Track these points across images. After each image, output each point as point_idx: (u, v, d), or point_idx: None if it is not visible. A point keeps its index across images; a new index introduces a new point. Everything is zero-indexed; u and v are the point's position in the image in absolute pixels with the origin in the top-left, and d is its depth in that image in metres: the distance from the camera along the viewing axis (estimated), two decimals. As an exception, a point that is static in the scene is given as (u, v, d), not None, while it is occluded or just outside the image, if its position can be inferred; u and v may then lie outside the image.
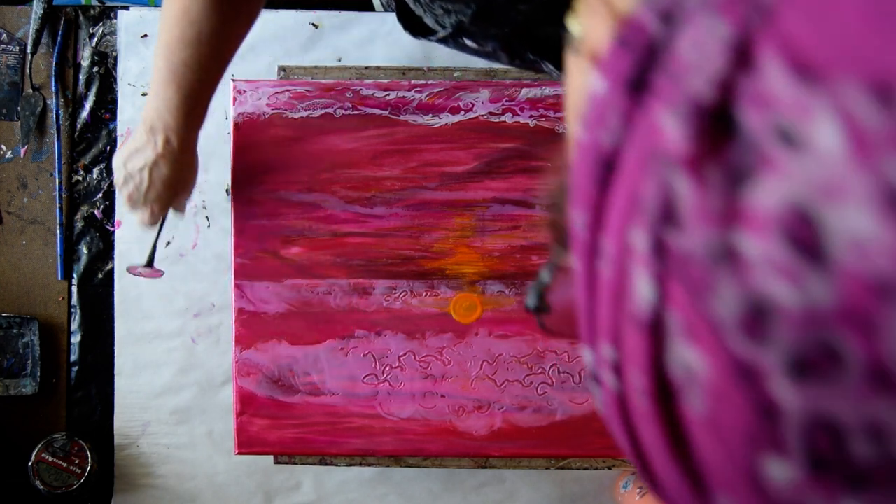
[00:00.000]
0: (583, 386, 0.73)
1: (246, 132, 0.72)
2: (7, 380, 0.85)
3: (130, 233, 0.88)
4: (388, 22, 0.90)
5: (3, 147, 0.88)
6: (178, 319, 0.88)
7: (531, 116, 0.72)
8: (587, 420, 0.73)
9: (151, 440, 0.87)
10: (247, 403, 0.72)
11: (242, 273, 0.72)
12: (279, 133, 0.72)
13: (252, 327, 0.72)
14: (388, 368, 0.73)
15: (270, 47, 0.89)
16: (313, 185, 0.72)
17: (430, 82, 0.72)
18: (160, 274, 0.80)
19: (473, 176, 0.72)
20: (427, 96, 0.72)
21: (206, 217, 0.88)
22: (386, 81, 0.72)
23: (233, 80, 0.72)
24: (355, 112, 0.72)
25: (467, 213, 0.72)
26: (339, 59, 0.89)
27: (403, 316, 0.72)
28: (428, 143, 0.72)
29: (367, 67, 0.75)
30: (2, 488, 0.85)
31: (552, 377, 0.73)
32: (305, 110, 0.72)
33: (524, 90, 0.72)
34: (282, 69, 0.77)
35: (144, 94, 0.88)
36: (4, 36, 0.88)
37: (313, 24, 0.89)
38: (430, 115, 0.72)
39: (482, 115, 0.72)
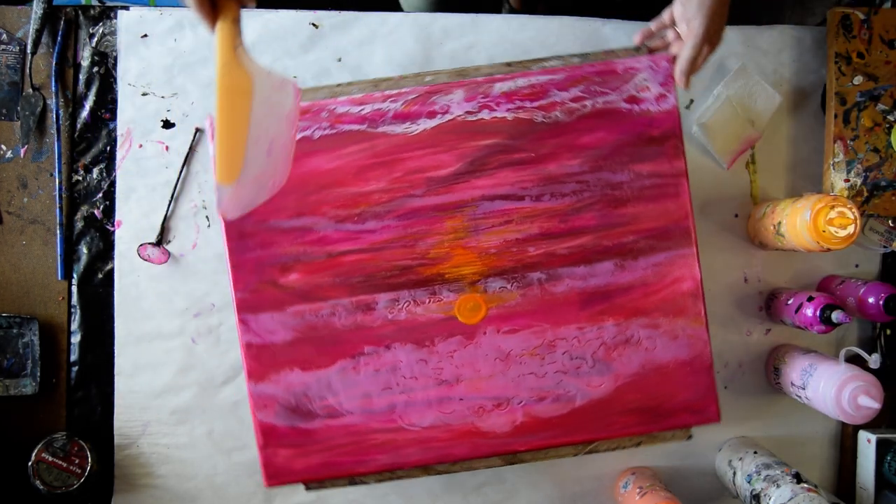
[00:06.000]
0: (597, 368, 0.73)
1: None
2: (7, 380, 0.85)
3: (130, 233, 0.88)
4: (389, 22, 0.90)
5: (3, 147, 0.88)
6: (178, 319, 0.88)
7: (508, 110, 0.72)
8: (608, 401, 0.73)
9: (151, 440, 0.87)
10: (269, 435, 0.73)
11: (245, 307, 0.72)
12: None
13: (262, 360, 0.72)
14: (401, 380, 0.73)
15: (270, 47, 0.89)
16: (302, 210, 0.72)
17: (403, 90, 0.72)
18: (165, 259, 0.82)
19: (459, 177, 0.72)
20: (402, 105, 0.72)
21: (207, 217, 0.88)
22: (359, 96, 0.72)
23: (207, 119, 0.72)
24: (333, 131, 0.72)
25: (458, 215, 0.72)
26: (339, 59, 0.89)
27: (409, 326, 0.73)
28: (409, 150, 0.72)
29: (338, 84, 0.75)
30: (2, 488, 0.85)
31: (566, 364, 0.73)
32: None
33: (498, 85, 0.72)
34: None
35: (145, 94, 0.88)
36: (4, 36, 0.88)
37: (313, 24, 0.89)
38: (408, 122, 0.72)
39: (459, 116, 0.72)
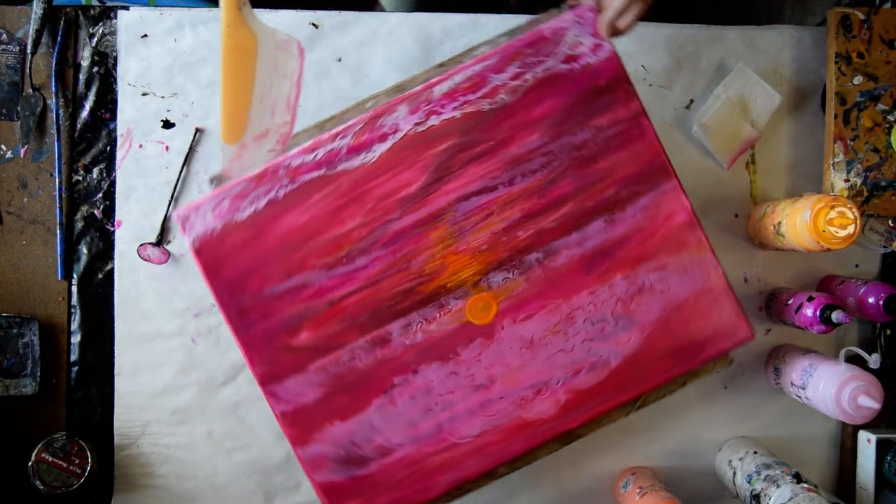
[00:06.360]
0: (621, 325, 0.73)
1: (207, 253, 0.72)
2: (7, 380, 0.85)
3: (130, 233, 0.88)
4: (389, 22, 0.90)
5: (3, 147, 0.88)
6: (178, 319, 0.88)
7: (454, 108, 0.72)
8: (641, 354, 0.73)
9: (151, 440, 0.87)
10: (331, 494, 0.73)
11: (267, 379, 0.72)
12: (237, 238, 0.72)
13: (300, 424, 0.73)
14: (439, 398, 0.73)
15: (270, 47, 0.89)
16: (291, 270, 0.72)
17: (349, 123, 0.72)
18: (165, 259, 0.82)
19: (429, 188, 0.72)
20: (352, 138, 0.72)
21: (206, 217, 0.88)
22: (309, 143, 0.72)
23: (174, 213, 0.72)
24: (295, 185, 0.72)
25: (440, 224, 0.72)
26: (339, 60, 0.89)
27: (429, 345, 0.73)
28: (373, 179, 0.72)
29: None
30: (2, 488, 0.85)
31: (589, 331, 0.73)
32: (250, 206, 0.72)
33: (437, 88, 0.72)
34: (213, 179, 0.77)
35: (145, 94, 0.88)
36: (4, 36, 0.88)
37: (313, 24, 0.89)
38: (363, 153, 0.72)
39: (410, 130, 0.72)
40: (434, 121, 0.72)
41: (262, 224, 0.72)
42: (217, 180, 0.76)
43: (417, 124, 0.72)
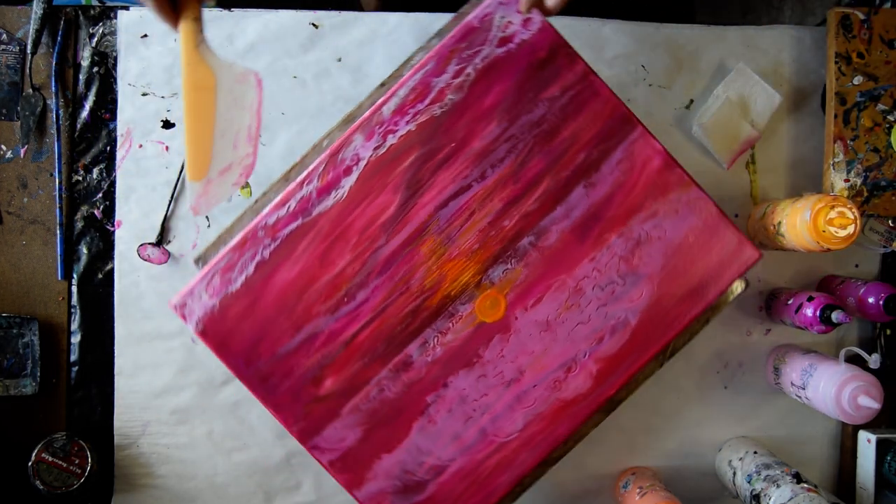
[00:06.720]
0: (630, 282, 0.73)
1: (212, 332, 0.72)
2: (7, 380, 0.85)
3: (130, 233, 0.88)
4: (389, 22, 0.90)
5: (3, 147, 0.88)
6: (177, 319, 0.87)
7: (408, 122, 0.72)
8: (657, 304, 0.73)
9: (151, 440, 0.87)
10: None
11: (306, 436, 0.73)
12: (237, 309, 0.72)
13: (350, 468, 0.73)
14: (475, 404, 0.73)
15: (270, 47, 0.89)
16: (297, 323, 0.72)
17: (311, 167, 0.72)
18: (165, 259, 0.82)
19: (405, 206, 0.72)
20: (318, 180, 0.72)
21: (207, 217, 0.88)
22: (279, 197, 0.73)
23: (170, 304, 0.73)
24: (277, 242, 0.72)
25: (427, 237, 0.73)
26: (339, 60, 0.89)
27: (450, 356, 0.73)
28: (350, 213, 0.72)
29: (256, 200, 0.78)
30: (2, 488, 0.85)
31: (601, 296, 0.73)
32: (240, 274, 0.72)
33: (385, 108, 0.72)
34: (197, 260, 0.78)
35: (145, 94, 0.88)
36: (4, 36, 0.88)
37: (313, 24, 0.89)
38: (333, 191, 0.72)
39: (371, 156, 0.72)
40: (392, 140, 0.72)
41: (257, 288, 0.72)
42: (202, 259, 0.77)
43: (377, 148, 0.72)
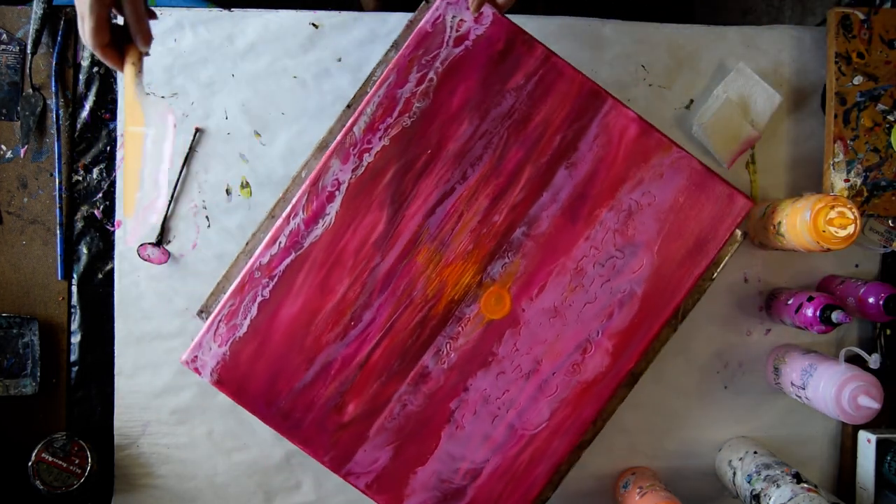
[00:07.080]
0: (629, 253, 0.73)
1: (227, 379, 0.73)
2: (7, 380, 0.85)
3: (130, 233, 0.88)
4: (389, 22, 0.90)
5: (3, 147, 0.88)
6: (177, 319, 0.88)
7: (381, 138, 0.73)
8: (659, 269, 0.74)
9: (151, 440, 0.87)
10: None
11: (339, 464, 0.73)
12: (248, 352, 0.73)
13: (387, 488, 0.73)
14: (498, 402, 0.74)
15: (270, 47, 0.89)
16: (310, 355, 0.73)
17: (294, 200, 0.73)
18: (165, 259, 0.83)
19: (394, 220, 0.73)
20: (304, 211, 0.73)
21: (206, 217, 0.88)
22: (268, 236, 0.73)
23: (181, 360, 0.74)
24: (275, 280, 0.73)
25: (421, 246, 0.73)
26: (339, 60, 0.89)
27: (466, 359, 0.73)
28: (341, 238, 0.73)
29: (247, 242, 0.78)
30: (2, 488, 0.85)
31: (602, 273, 0.73)
32: (245, 318, 0.73)
33: (355, 128, 0.73)
34: (200, 312, 0.79)
35: (145, 94, 0.88)
36: (4, 36, 0.88)
37: (313, 24, 0.89)
38: (320, 220, 0.73)
39: (351, 178, 0.73)
40: (368, 158, 0.73)
41: (264, 328, 0.73)
42: (204, 311, 0.78)
43: (355, 170, 0.73)
